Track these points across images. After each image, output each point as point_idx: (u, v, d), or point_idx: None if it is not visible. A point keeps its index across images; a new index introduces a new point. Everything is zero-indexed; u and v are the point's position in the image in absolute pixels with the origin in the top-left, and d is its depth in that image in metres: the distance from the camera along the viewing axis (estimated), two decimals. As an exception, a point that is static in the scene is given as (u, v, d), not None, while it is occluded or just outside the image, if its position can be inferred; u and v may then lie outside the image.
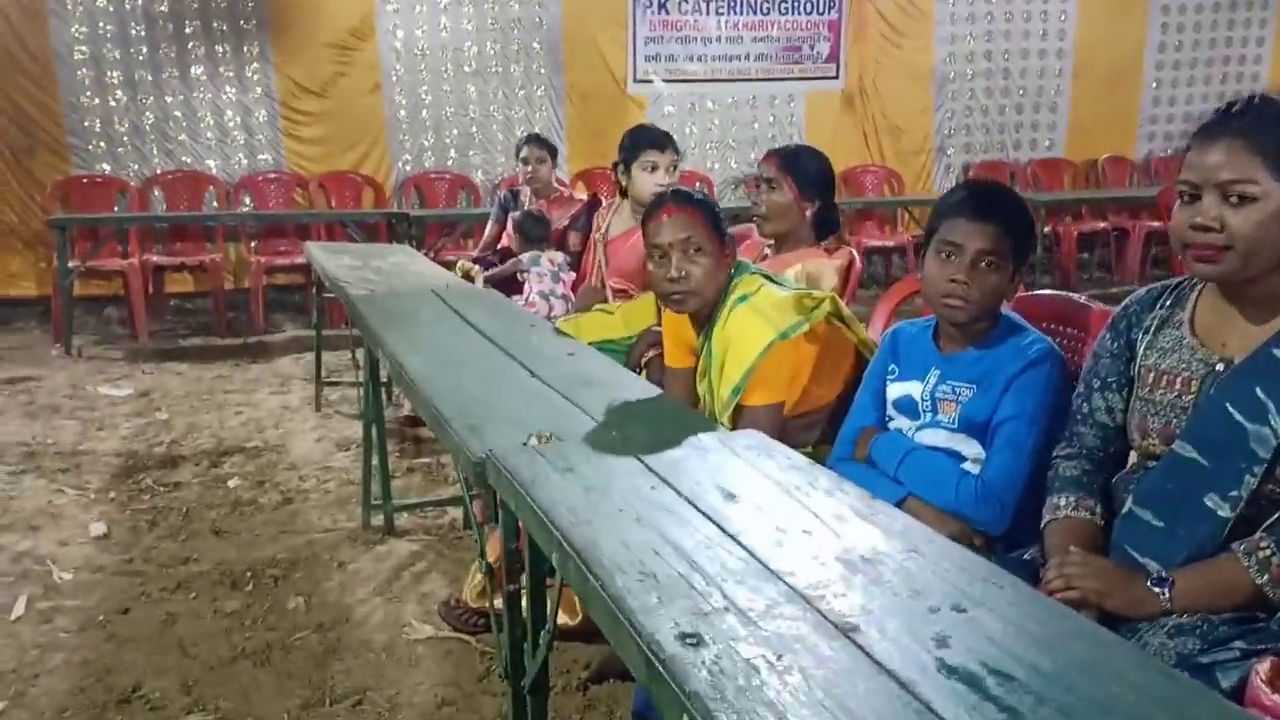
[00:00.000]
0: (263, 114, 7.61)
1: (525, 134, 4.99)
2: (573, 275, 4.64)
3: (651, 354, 2.94)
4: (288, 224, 7.53)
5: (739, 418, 2.29)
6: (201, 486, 4.14)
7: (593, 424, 2.03)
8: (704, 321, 2.46)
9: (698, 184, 8.35)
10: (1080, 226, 8.65)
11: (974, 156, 9.22)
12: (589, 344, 2.87)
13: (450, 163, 8.05)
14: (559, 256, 4.59)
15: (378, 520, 3.65)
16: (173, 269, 7.42)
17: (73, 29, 7.19)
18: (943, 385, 2.12)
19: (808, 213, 2.97)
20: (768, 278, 2.42)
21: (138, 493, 4.08)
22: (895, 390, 2.21)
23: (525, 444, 1.91)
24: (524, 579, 1.87)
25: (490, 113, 8.06)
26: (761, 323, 2.29)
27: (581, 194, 5.04)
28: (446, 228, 7.50)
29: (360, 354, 4.13)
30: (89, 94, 7.31)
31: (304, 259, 7.30)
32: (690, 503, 1.58)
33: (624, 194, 3.67)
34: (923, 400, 2.15)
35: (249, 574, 3.31)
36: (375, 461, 3.60)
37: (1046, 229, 8.30)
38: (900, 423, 2.19)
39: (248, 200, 7.64)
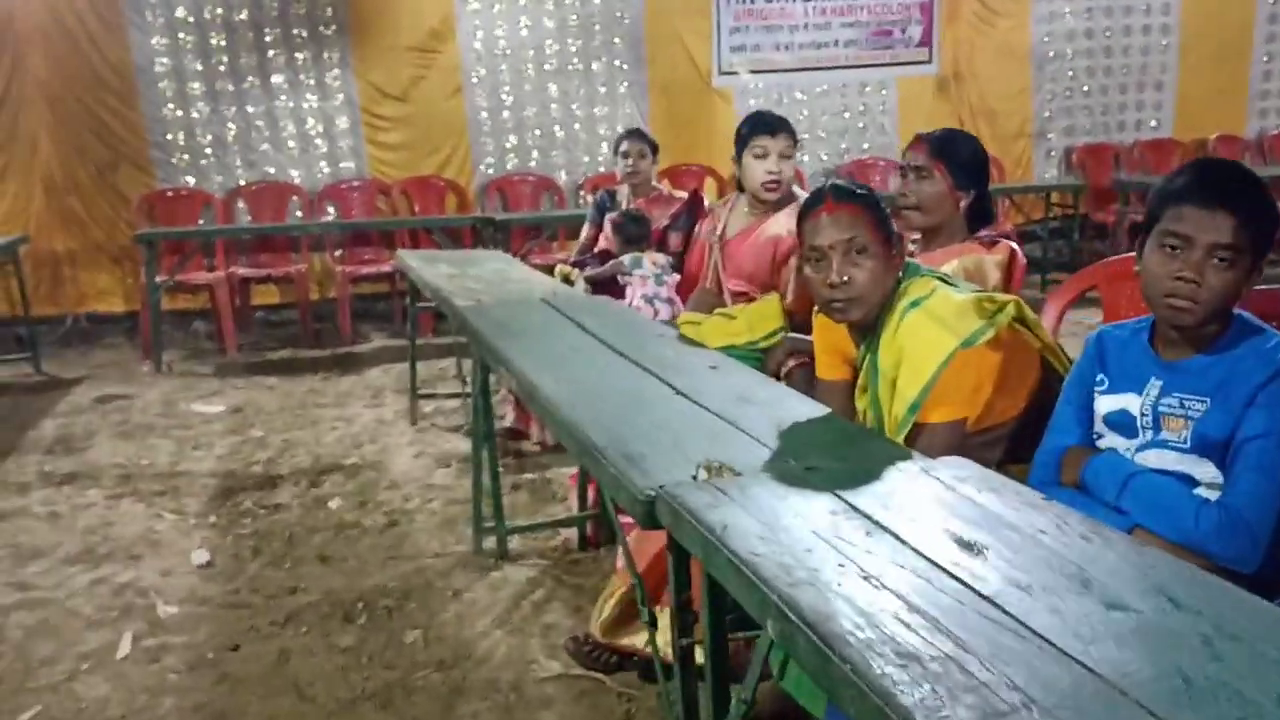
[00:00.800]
0: (344, 121, 7.49)
1: (625, 129, 4.76)
2: (676, 278, 4.40)
3: (792, 364, 2.68)
4: (372, 232, 7.40)
5: (916, 437, 2.03)
6: (302, 508, 3.98)
7: (765, 451, 1.79)
8: (866, 330, 2.20)
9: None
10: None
11: (1076, 139, 8.80)
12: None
13: (533, 164, 7.85)
14: (661, 258, 4.34)
15: (489, 543, 3.44)
16: (259, 281, 7.32)
17: (153, 41, 7.13)
18: (1167, 398, 1.83)
19: (961, 203, 2.68)
20: (941, 279, 2.14)
21: (238, 516, 3.93)
22: (1105, 404, 1.92)
23: (694, 477, 1.67)
24: (700, 630, 1.63)
25: (572, 111, 7.86)
26: (940, 330, 2.02)
27: (681, 192, 4.80)
28: (532, 231, 7.30)
29: (465, 365, 3.92)
30: (171, 106, 7.24)
31: (390, 267, 7.23)
32: (920, 553, 1.33)
33: (740, 188, 3.41)
34: (1142, 416, 1.86)
35: (361, 605, 3.12)
36: (485, 480, 3.39)
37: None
38: (1113, 441, 1.91)
39: (331, 209, 7.53)
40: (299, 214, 7.47)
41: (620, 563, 2.67)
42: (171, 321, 7.31)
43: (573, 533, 3.49)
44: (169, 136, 7.28)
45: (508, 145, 7.79)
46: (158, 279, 6.53)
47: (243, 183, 7.41)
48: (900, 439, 2.01)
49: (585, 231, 4.93)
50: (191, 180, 7.36)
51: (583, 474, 3.40)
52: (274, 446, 4.78)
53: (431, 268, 4.19)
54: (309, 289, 7.20)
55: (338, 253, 7.41)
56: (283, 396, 5.69)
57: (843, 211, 2.12)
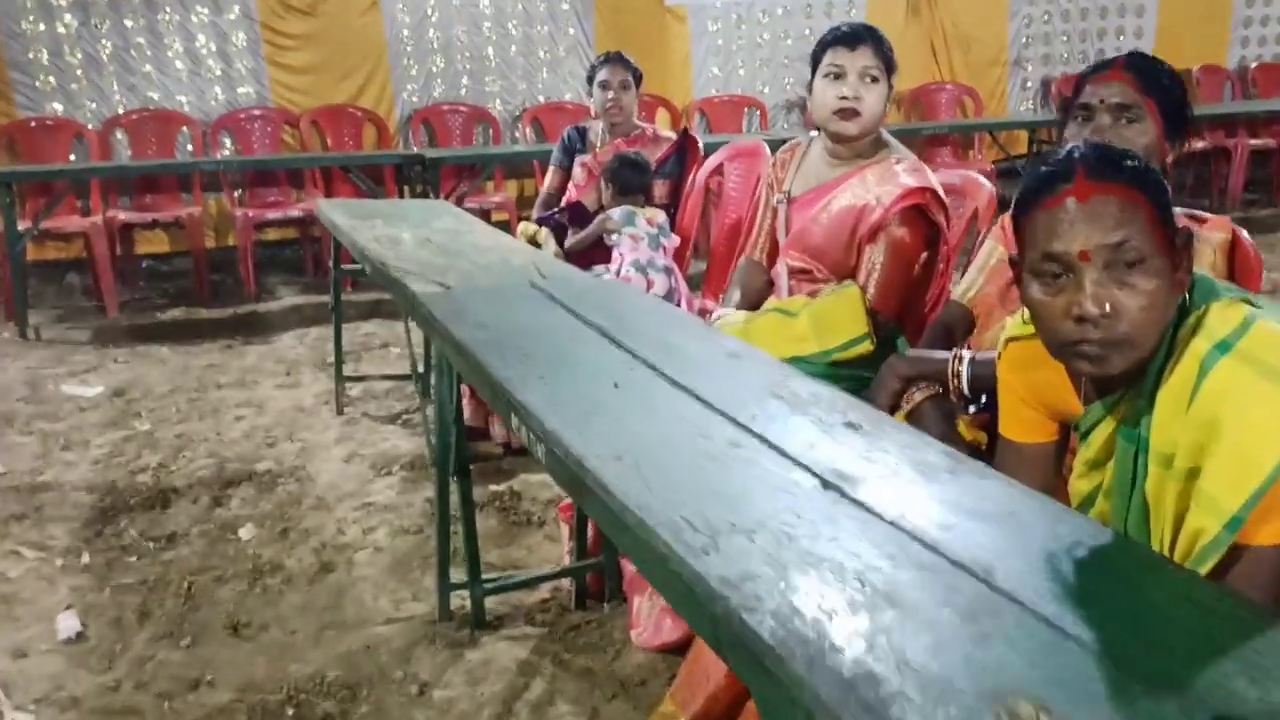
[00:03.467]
0: (241, 38, 6.40)
1: (603, 54, 3.87)
2: (676, 240, 3.58)
3: (920, 396, 1.89)
4: (277, 170, 6.37)
5: (1230, 566, 1.24)
6: (205, 540, 3.09)
7: (1005, 605, 1.00)
8: (1120, 382, 1.40)
9: (747, 110, 7.25)
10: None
11: (1054, 69, 8.11)
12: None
13: (463, 93, 6.88)
14: (659, 216, 3.52)
15: (457, 600, 2.62)
16: (143, 227, 6.27)
17: (6, -61, 5.95)
18: None
19: (1168, 159, 1.90)
20: (1246, 300, 1.34)
21: (120, 552, 3.03)
22: None
23: None
24: None
25: (508, 31, 6.88)
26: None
27: (669, 132, 3.95)
28: (465, 171, 6.36)
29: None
30: (31, 19, 6.08)
31: (300, 212, 6.24)
32: None
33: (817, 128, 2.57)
34: None
35: (292, 709, 2.28)
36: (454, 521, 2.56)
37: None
38: None
39: (228, 143, 6.48)
40: (190, 148, 6.40)
41: (678, 680, 1.88)
42: (40, 274, 6.25)
43: (565, 580, 2.70)
44: (30, 55, 6.13)
45: (434, 69, 6.79)
46: (20, 227, 5.47)
47: (121, 111, 6.30)
48: (1204, 567, 1.23)
49: (549, 178, 4.05)
50: (59, 108, 6.23)
51: (581, 510, 2.60)
52: (166, 445, 3.86)
53: (366, 227, 3.29)
54: (203, 236, 6.17)
55: (237, 194, 6.38)
56: (175, 373, 4.73)
57: (1106, 197, 1.31)
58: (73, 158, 6.17)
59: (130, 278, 6.32)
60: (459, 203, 6.07)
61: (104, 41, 6.20)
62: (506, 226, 6.05)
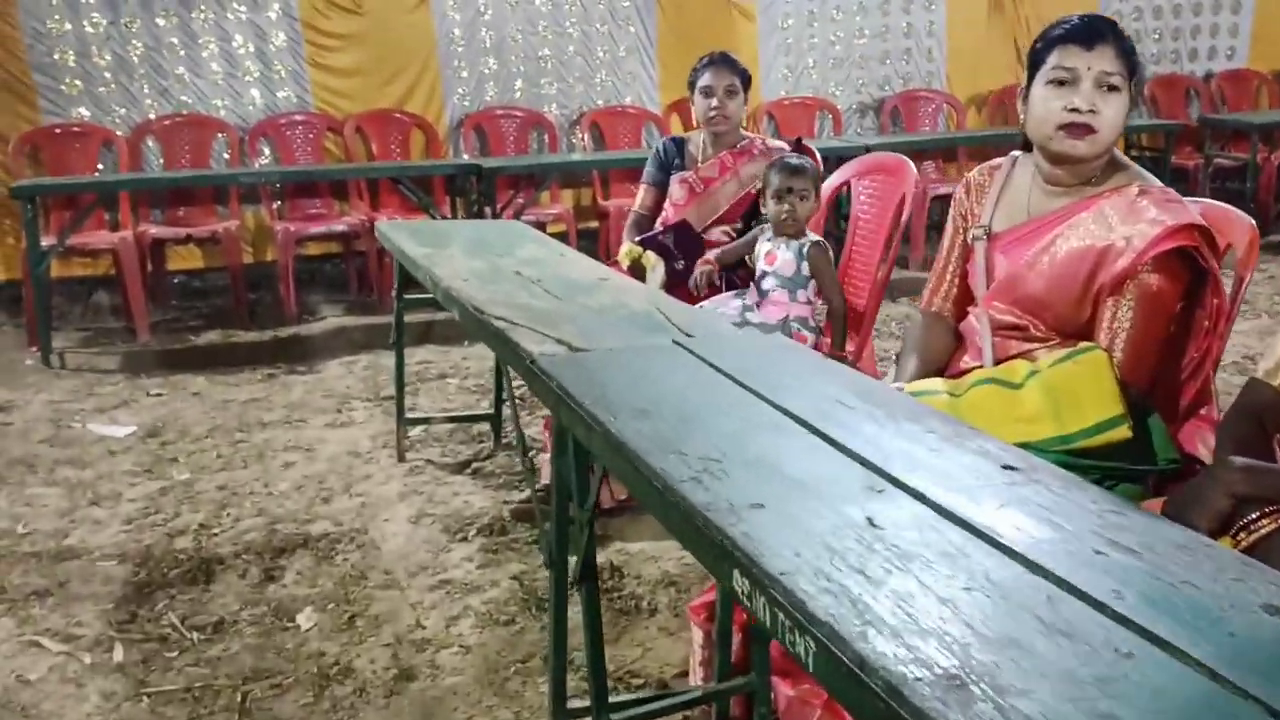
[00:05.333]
0: (281, 38, 5.95)
1: (707, 55, 3.38)
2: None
3: (1270, 527, 1.39)
4: (319, 181, 5.91)
5: None
6: (258, 630, 2.62)
7: None
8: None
9: (819, 113, 6.74)
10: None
11: (1145, 70, 7.54)
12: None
13: (517, 95, 6.39)
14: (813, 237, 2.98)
15: (574, 722, 2.13)
16: (176, 242, 5.82)
17: (30, -68, 5.52)
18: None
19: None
20: None
21: (158, 645, 2.56)
22: None
23: None
24: None
25: (565, 30, 6.39)
26: None
27: (780, 142, 3.45)
28: (521, 181, 5.87)
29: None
30: (57, 18, 5.64)
31: (342, 225, 5.78)
32: None
33: (1025, 145, 2.05)
34: None
35: None
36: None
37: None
38: None
39: (267, 151, 6.02)
40: (226, 157, 5.95)
41: None
42: (66, 292, 5.82)
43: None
44: (56, 56, 5.70)
45: (486, 71, 6.31)
46: (44, 243, 5.03)
47: (153, 116, 5.86)
48: None
49: (640, 196, 3.56)
50: (86, 113, 5.79)
51: (725, 600, 2.10)
52: (207, 499, 3.40)
53: (443, 258, 2.81)
54: (240, 252, 5.73)
55: (276, 206, 5.93)
56: (214, 409, 4.27)
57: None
58: (100, 167, 5.73)
59: (162, 296, 5.88)
60: (517, 216, 5.61)
61: (134, 42, 5.76)
62: (565, 238, 5.60)
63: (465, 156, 6.16)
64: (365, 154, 6.10)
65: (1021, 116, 2.02)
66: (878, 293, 2.92)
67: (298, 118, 6.02)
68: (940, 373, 2.09)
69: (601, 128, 6.43)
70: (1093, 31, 1.89)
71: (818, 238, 2.87)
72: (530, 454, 3.65)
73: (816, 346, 2.87)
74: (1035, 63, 1.96)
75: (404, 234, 3.22)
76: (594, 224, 6.32)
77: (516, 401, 4.13)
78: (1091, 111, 1.86)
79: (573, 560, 1.84)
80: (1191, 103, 7.57)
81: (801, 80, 6.87)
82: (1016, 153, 2.13)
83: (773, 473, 1.32)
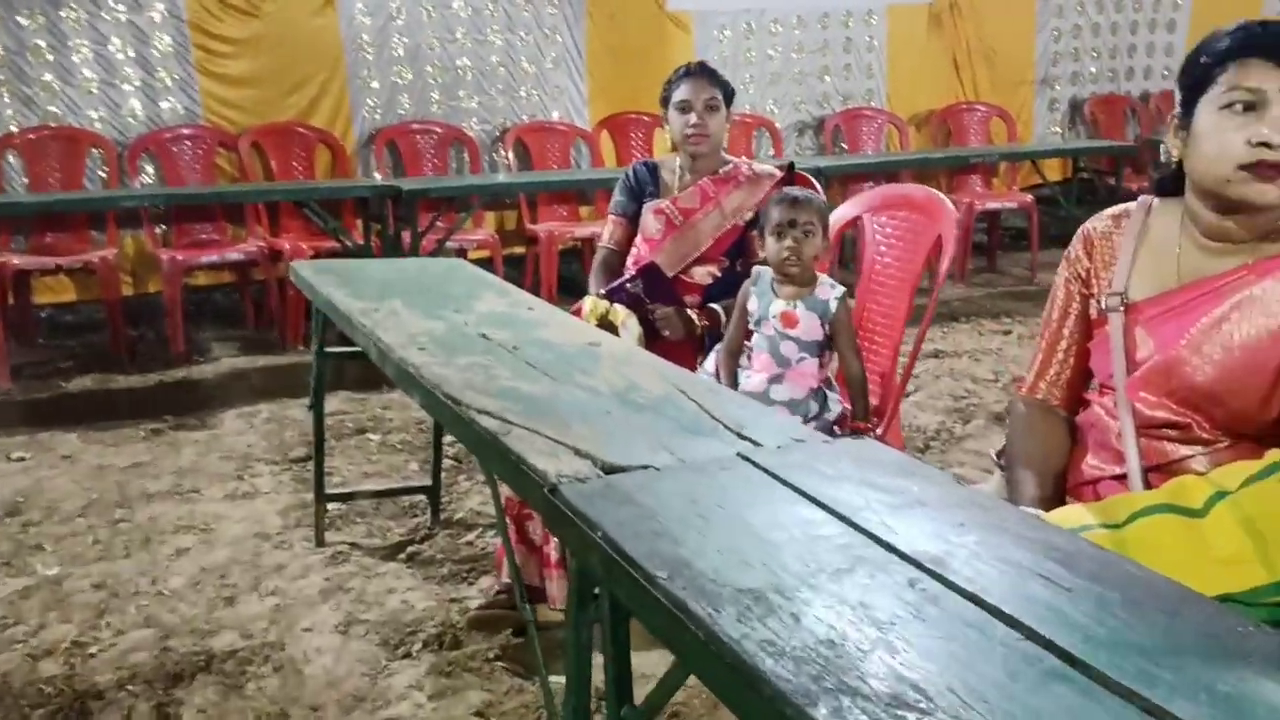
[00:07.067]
0: (166, 42, 5.26)
1: (684, 65, 2.88)
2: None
3: None
4: (211, 203, 5.23)
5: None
6: (149, 800, 2.02)
7: None
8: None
9: (757, 131, 6.32)
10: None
11: (1083, 89, 7.33)
12: None
13: (435, 109, 5.81)
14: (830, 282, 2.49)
15: None
16: (44, 273, 5.08)
17: None
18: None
19: None
20: None
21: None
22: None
23: None
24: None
25: (486, 39, 5.83)
26: None
27: (768, 167, 2.97)
28: (443, 204, 5.29)
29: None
30: (-102, 15, 4.89)
31: (238, 253, 5.14)
32: None
33: (1165, 187, 1.58)
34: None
35: None
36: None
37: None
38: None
39: (149, 169, 5.32)
40: (102, 175, 5.24)
41: None
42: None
43: None
44: (-104, 59, 4.93)
45: (399, 82, 5.71)
46: (-119, 277, 4.28)
47: (15, 129, 5.11)
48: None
49: (608, 231, 3.03)
50: (-66, 125, 5.03)
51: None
52: (81, 604, 2.76)
53: (383, 314, 2.25)
54: (119, 283, 5.02)
55: (160, 231, 5.24)
56: (89, 477, 3.60)
57: None
58: (-48, 187, 4.98)
59: (26, 334, 5.14)
60: (440, 244, 5.04)
61: (-7, 44, 5.02)
62: (490, 266, 5.05)
63: (377, 176, 5.56)
64: (263, 173, 5.45)
65: (1174, 151, 1.57)
66: (910, 354, 2.45)
67: (185, 132, 5.32)
68: (1061, 482, 1.63)
69: (527, 145, 5.89)
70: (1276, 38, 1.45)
71: (842, 289, 2.39)
72: (476, 533, 3.11)
73: (841, 418, 2.39)
74: (1199, 81, 1.51)
75: (329, 279, 2.64)
76: (520, 250, 5.78)
77: (456, 465, 3.59)
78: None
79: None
80: (1129, 122, 7.37)
81: (739, 96, 6.40)
82: (1148, 198, 1.68)
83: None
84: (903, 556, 1.11)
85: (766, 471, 1.36)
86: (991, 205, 6.38)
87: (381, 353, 2.02)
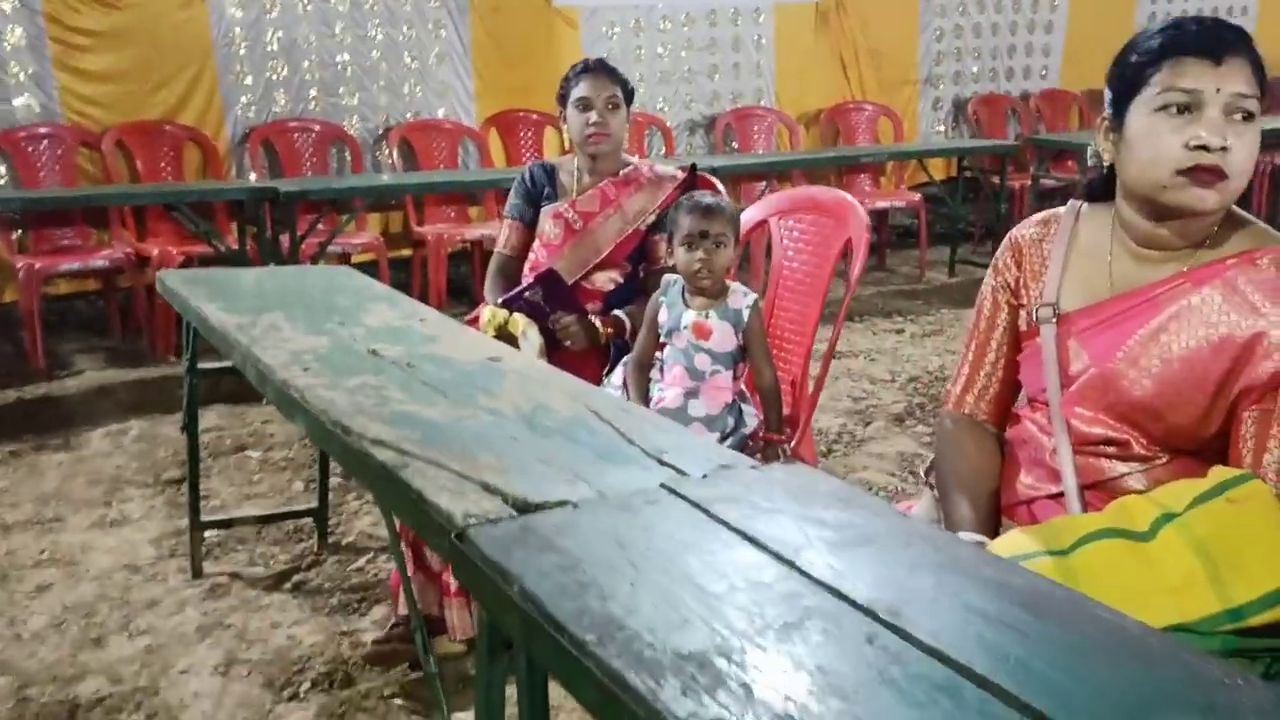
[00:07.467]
0: (19, 35, 4.91)
1: (582, 62, 2.74)
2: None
3: None
4: (72, 207, 4.90)
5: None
6: None
7: None
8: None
9: (648, 130, 6.24)
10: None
11: (965, 89, 7.43)
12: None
13: (313, 106, 5.56)
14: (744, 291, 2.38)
15: None
16: (-117, 283, 4.70)
17: None
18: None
19: None
20: None
21: None
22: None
23: None
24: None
25: (366, 33, 5.61)
26: None
27: (669, 168, 2.87)
28: (324, 206, 5.05)
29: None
30: None
31: (102, 260, 4.83)
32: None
33: (1094, 191, 1.48)
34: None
35: None
36: None
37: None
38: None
39: (2, 170, 4.96)
40: (-51, 177, 4.87)
41: None
42: None
43: None
44: None
45: (274, 78, 5.45)
46: None
47: None
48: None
49: (504, 236, 2.88)
50: None
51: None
52: (-74, 652, 2.51)
53: (264, 331, 2.07)
54: (-29, 293, 4.67)
55: (16, 236, 4.89)
56: (-63, 508, 3.31)
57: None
58: None
59: None
60: (322, 249, 4.82)
61: None
62: (375, 270, 4.88)
63: (253, 177, 5.29)
64: (129, 174, 5.14)
65: (1105, 156, 1.50)
66: (822, 361, 2.37)
67: (42, 130, 4.98)
68: (995, 501, 1.55)
69: (412, 144, 5.69)
70: (1221, 41, 1.38)
71: (754, 296, 2.29)
72: (368, 558, 2.94)
73: (755, 433, 2.29)
74: (1131, 82, 1.44)
75: (200, 292, 2.43)
76: (407, 252, 5.58)
77: (345, 485, 3.39)
78: (1223, 149, 1.36)
79: None
80: (1010, 121, 7.50)
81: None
82: (1077, 203, 1.61)
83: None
84: (855, 605, 1.01)
85: (696, 505, 1.24)
86: (881, 204, 6.40)
87: (261, 374, 1.85)
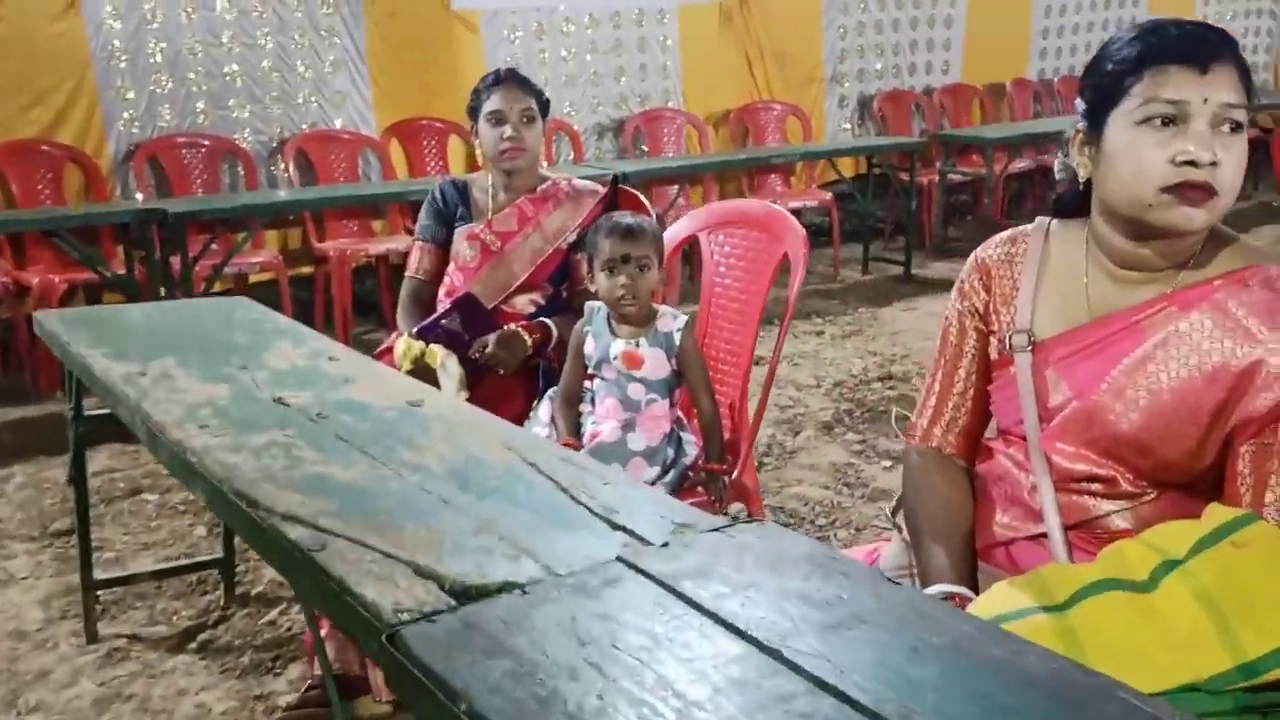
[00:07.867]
0: (-128, 51, 4.55)
1: (495, 72, 2.58)
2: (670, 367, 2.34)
3: None
4: (-60, 234, 4.57)
5: None
6: None
7: None
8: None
9: (556, 136, 6.08)
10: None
11: (870, 86, 7.41)
12: None
13: (202, 120, 5.27)
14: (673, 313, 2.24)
15: None
16: None
17: None
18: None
19: None
20: None
21: None
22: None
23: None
24: None
25: (256, 42, 5.34)
26: None
27: (589, 183, 2.72)
28: (216, 226, 4.78)
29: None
30: None
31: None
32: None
33: (1064, 207, 1.37)
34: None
35: None
36: None
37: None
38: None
39: None
40: None
41: None
42: None
43: None
44: None
45: (159, 92, 5.15)
46: None
47: None
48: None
49: (415, 258, 2.70)
50: None
51: None
52: None
53: (155, 381, 1.87)
54: None
55: (-121, 268, 4.54)
56: None
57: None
58: None
59: None
60: (216, 272, 4.57)
61: None
62: (275, 290, 4.67)
63: (139, 197, 4.99)
64: (3, 198, 4.81)
65: (1080, 170, 1.39)
66: (763, 385, 2.25)
67: (-97, 153, 4.63)
68: (970, 543, 1.44)
69: (310, 156, 5.44)
70: (1206, 47, 1.28)
71: (685, 317, 2.16)
72: (280, 609, 2.74)
73: (696, 462, 2.16)
74: (1109, 92, 1.33)
75: (82, 336, 2.21)
76: (308, 269, 5.33)
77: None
78: (1212, 164, 1.26)
79: None
80: (914, 117, 7.52)
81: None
82: (1045, 219, 1.50)
83: None
84: (860, 709, 0.87)
85: (661, 584, 1.10)
86: (794, 204, 6.31)
87: (151, 434, 1.65)
